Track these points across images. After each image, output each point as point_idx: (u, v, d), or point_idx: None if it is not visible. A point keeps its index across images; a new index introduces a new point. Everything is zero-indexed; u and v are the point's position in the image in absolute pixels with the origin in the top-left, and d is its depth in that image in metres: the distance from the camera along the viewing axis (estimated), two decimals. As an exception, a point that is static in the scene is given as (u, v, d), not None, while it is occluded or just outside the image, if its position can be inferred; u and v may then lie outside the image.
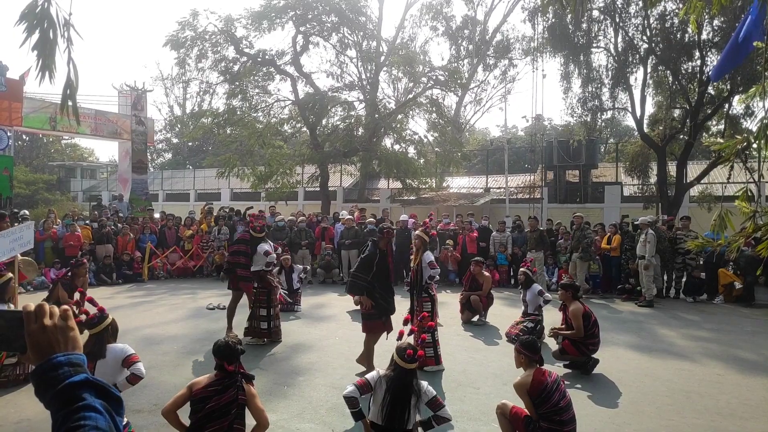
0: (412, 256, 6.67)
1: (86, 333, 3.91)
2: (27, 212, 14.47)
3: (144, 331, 8.08)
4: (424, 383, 3.66)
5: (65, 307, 1.26)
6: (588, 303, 7.88)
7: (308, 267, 12.03)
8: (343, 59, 22.86)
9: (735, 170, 4.44)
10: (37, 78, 1.92)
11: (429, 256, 6.41)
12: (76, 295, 8.06)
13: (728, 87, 15.72)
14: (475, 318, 8.91)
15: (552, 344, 6.85)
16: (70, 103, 1.97)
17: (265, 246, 7.50)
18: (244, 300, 7.88)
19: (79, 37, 1.94)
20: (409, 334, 3.86)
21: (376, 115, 21.63)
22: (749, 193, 3.59)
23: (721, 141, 4.07)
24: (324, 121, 22.75)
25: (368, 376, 3.60)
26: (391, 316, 6.17)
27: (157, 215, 16.84)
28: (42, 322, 1.19)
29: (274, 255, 7.51)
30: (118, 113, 22.05)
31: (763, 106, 3.49)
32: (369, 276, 5.96)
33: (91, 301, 4.31)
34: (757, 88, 3.59)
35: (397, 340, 3.80)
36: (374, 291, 5.96)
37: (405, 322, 3.92)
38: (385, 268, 6.11)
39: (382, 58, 22.44)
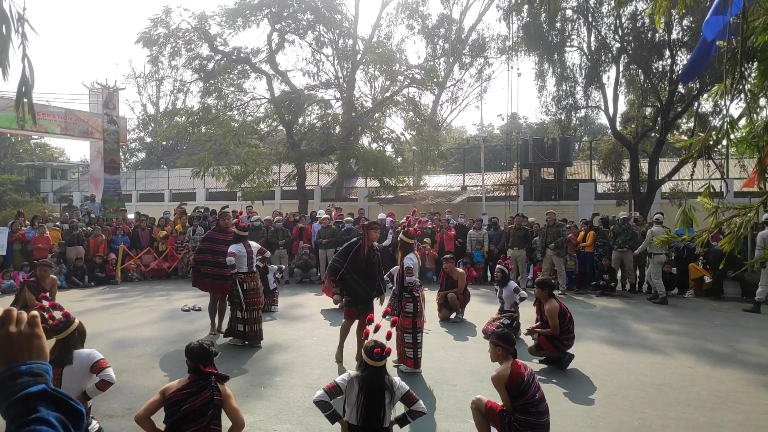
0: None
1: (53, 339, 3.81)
2: None
3: (117, 334, 7.92)
4: (397, 379, 3.65)
5: (34, 313, 1.22)
6: (564, 299, 7.98)
7: (284, 266, 11.91)
8: (319, 57, 22.78)
9: (704, 167, 4.54)
10: (-9, 74, 1.86)
11: (408, 260, 6.28)
12: (44, 303, 7.86)
13: (697, 86, 16.07)
14: (452, 315, 8.95)
15: (528, 340, 6.91)
16: (25, 101, 1.90)
17: (233, 247, 7.26)
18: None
19: (34, 32, 1.88)
20: (375, 331, 3.81)
21: (353, 114, 21.60)
22: (711, 190, 3.67)
23: (686, 138, 4.17)
24: (300, 120, 22.62)
25: (338, 379, 3.57)
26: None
27: (131, 216, 16.53)
28: (7, 328, 1.16)
29: (233, 259, 7.17)
30: (89, 112, 21.60)
31: (725, 104, 3.57)
32: (345, 261, 6.27)
33: (56, 306, 4.19)
34: (719, 87, 3.67)
35: (364, 339, 3.78)
36: (348, 277, 6.26)
37: (369, 321, 3.87)
38: (361, 259, 6.31)
39: (359, 56, 22.40)
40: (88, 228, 14.01)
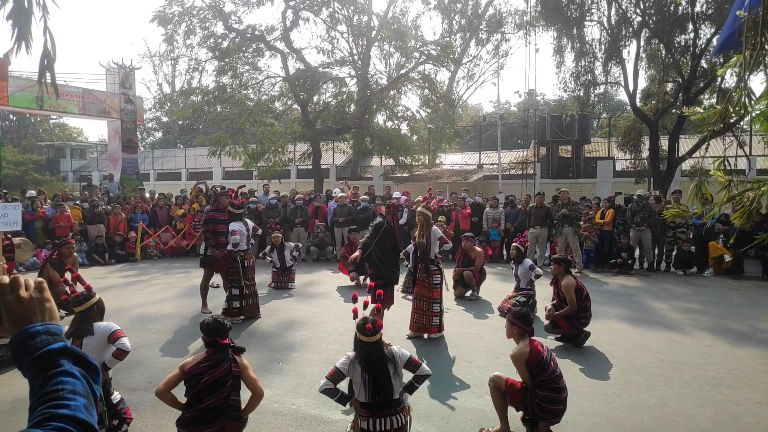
0: (416, 232, 6.86)
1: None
2: (34, 193, 14.42)
3: (137, 310, 8.08)
4: (395, 347, 3.64)
5: (40, 279, 1.26)
6: (581, 277, 7.94)
7: (300, 244, 11.99)
8: (333, 34, 22.52)
9: (726, 143, 4.44)
10: (13, 49, 1.86)
11: (438, 231, 6.67)
12: (67, 275, 8.00)
13: (721, 60, 15.64)
14: (468, 293, 8.97)
15: (544, 318, 6.90)
16: (48, 75, 1.91)
17: (234, 225, 7.24)
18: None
19: (55, 5, 1.88)
20: (364, 308, 3.74)
21: (368, 92, 21.42)
22: (726, 164, 3.60)
23: (701, 111, 4.04)
24: (315, 98, 22.53)
25: (338, 363, 3.56)
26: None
27: (147, 195, 16.74)
28: (18, 293, 1.19)
29: (238, 237, 7.19)
30: (106, 92, 21.68)
31: (741, 75, 3.46)
32: (373, 241, 6.38)
33: (78, 279, 4.28)
34: (738, 58, 3.56)
35: (354, 319, 3.69)
36: (374, 255, 6.39)
37: (353, 299, 3.77)
38: (388, 239, 6.48)
39: (374, 32, 22.12)
40: (108, 207, 14.24)
